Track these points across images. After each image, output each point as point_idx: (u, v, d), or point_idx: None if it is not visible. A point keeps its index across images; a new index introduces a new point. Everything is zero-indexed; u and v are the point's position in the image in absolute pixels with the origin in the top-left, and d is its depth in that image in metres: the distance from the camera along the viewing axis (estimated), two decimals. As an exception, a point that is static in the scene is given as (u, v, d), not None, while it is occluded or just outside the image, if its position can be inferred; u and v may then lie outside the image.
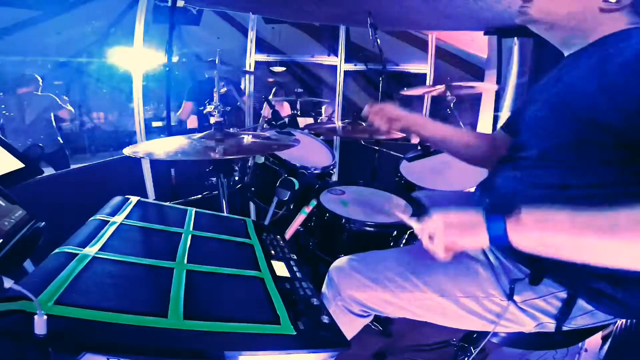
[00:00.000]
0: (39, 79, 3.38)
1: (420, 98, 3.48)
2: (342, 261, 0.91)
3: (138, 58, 2.08)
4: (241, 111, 3.29)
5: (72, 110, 3.62)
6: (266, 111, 3.13)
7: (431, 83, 3.44)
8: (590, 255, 0.56)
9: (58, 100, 3.42)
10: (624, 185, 0.64)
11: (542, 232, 0.58)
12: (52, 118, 3.37)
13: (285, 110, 3.83)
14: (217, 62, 1.33)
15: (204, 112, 1.25)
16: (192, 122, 3.39)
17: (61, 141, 3.47)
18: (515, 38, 2.62)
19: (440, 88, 2.06)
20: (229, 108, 1.30)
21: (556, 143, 0.71)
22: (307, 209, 1.10)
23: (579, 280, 0.72)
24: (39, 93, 3.34)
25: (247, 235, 0.88)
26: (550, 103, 0.74)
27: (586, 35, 0.73)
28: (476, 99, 3.04)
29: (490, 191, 0.86)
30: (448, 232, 0.65)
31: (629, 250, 0.53)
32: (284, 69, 5.47)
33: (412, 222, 0.73)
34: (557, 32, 0.77)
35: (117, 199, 0.90)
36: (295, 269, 0.77)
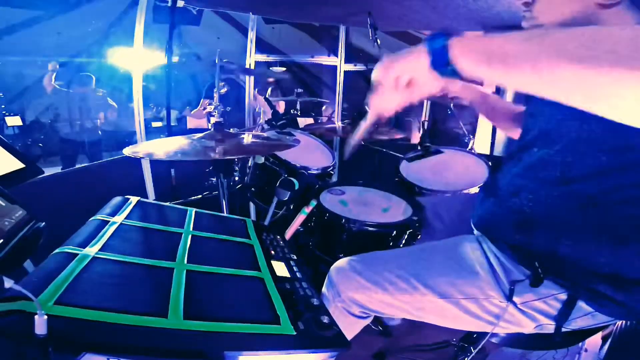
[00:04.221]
0: (93, 78, 3.79)
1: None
2: (342, 262, 0.91)
3: (138, 58, 2.08)
4: (242, 112, 3.29)
5: (115, 105, 4.11)
6: (260, 102, 3.14)
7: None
8: (534, 66, 0.47)
9: (108, 99, 3.91)
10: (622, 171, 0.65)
11: (485, 44, 0.53)
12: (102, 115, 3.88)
13: (280, 108, 3.84)
14: (217, 61, 1.33)
15: (204, 112, 1.25)
16: (201, 122, 3.41)
17: (100, 133, 3.95)
18: (515, 38, 2.62)
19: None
20: (229, 108, 1.30)
21: (558, 138, 0.72)
22: (307, 209, 1.10)
23: (579, 281, 0.72)
24: (91, 92, 3.80)
25: (247, 235, 0.88)
26: None
27: None
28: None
29: (493, 191, 0.86)
30: (391, 61, 0.63)
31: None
32: (284, 69, 5.47)
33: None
34: None
35: (117, 199, 0.90)
36: (295, 269, 0.77)
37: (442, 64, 0.57)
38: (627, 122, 0.44)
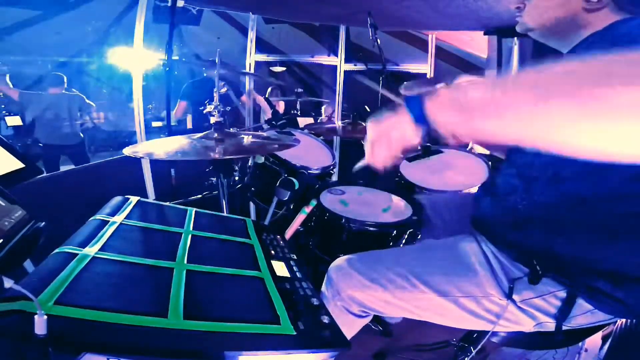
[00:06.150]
0: (65, 77, 3.53)
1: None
2: (341, 261, 0.91)
3: (138, 58, 2.08)
4: (240, 111, 3.29)
5: (94, 105, 3.90)
6: (260, 102, 3.15)
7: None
8: (510, 119, 0.47)
9: (85, 98, 3.66)
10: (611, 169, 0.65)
11: (458, 96, 0.54)
12: (78, 114, 3.58)
13: (280, 108, 3.84)
14: (217, 61, 1.32)
15: (204, 112, 1.25)
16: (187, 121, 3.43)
17: (82, 136, 3.67)
18: (515, 38, 2.62)
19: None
20: (229, 108, 1.30)
21: None
22: (307, 209, 1.10)
23: (578, 278, 0.72)
24: (65, 92, 3.52)
25: (247, 235, 0.88)
26: None
27: (580, 35, 0.74)
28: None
29: (490, 190, 0.87)
30: (377, 131, 0.66)
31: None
32: (284, 69, 5.47)
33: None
34: (552, 37, 0.79)
35: (117, 199, 0.90)
36: (295, 269, 0.77)
37: (421, 120, 0.59)
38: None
